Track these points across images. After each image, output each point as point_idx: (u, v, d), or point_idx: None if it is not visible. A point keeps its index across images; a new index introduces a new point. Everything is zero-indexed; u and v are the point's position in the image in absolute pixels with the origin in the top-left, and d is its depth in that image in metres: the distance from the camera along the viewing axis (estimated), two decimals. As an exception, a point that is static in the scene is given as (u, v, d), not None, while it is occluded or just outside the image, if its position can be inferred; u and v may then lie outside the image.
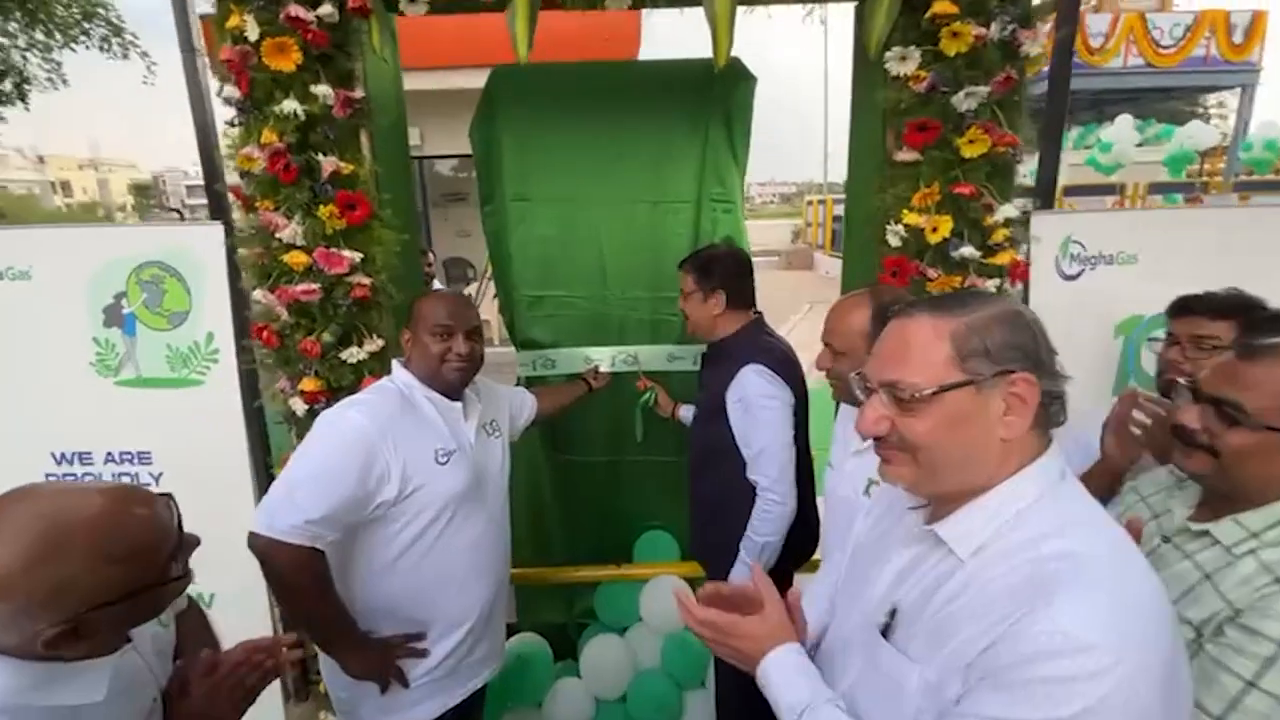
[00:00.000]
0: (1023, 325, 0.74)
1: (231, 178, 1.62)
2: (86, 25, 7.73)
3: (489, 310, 8.89)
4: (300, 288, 1.52)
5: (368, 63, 1.56)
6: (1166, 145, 11.68)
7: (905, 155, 1.54)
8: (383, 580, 1.38)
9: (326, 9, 1.42)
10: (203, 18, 1.70)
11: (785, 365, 1.73)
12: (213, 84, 1.65)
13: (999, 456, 0.74)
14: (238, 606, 1.85)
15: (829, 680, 0.86)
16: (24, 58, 7.70)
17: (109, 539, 0.76)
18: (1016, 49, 1.47)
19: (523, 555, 2.59)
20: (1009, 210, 1.54)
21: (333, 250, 1.52)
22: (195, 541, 0.89)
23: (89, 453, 1.81)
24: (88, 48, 7.90)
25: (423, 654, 1.42)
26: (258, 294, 1.57)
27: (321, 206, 1.50)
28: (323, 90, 1.45)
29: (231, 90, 1.47)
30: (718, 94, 2.28)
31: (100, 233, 1.75)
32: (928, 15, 1.45)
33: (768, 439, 1.68)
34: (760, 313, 1.87)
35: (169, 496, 0.88)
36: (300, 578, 1.25)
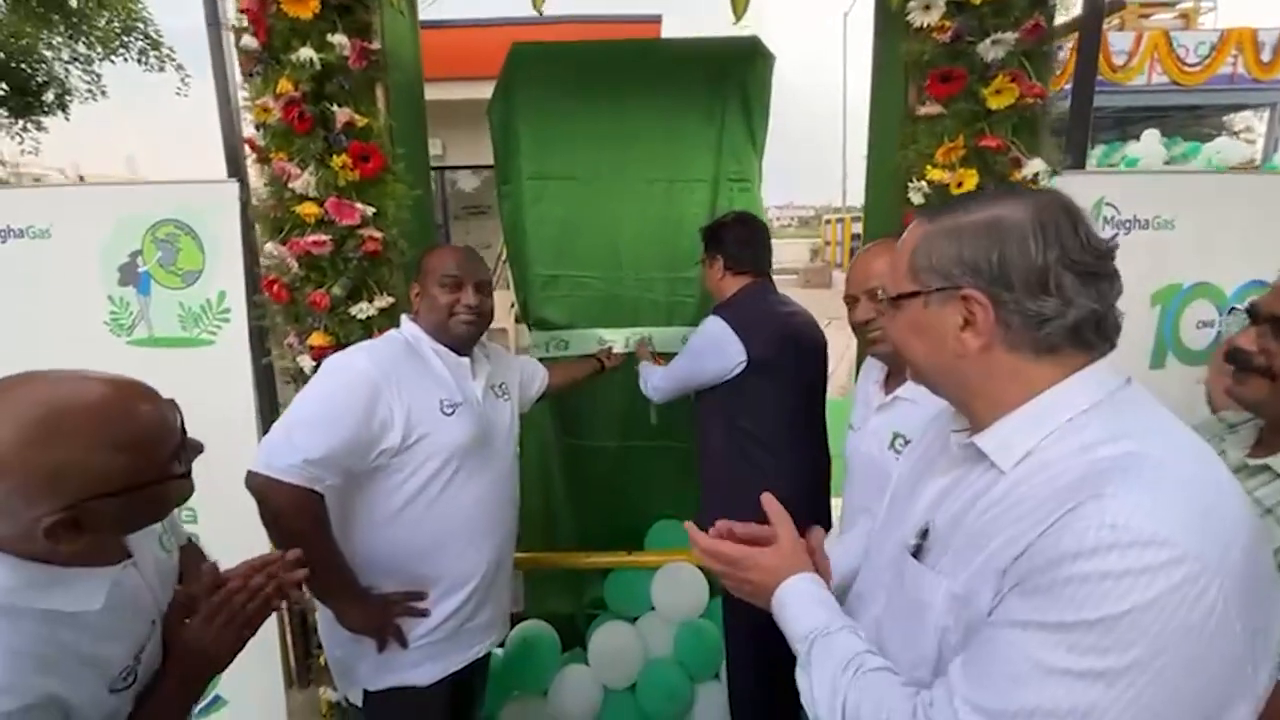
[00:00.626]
0: (995, 237, 0.65)
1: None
2: (126, 38, 8.05)
3: (504, 319, 8.96)
4: (311, 238, 1.51)
5: (385, 17, 1.56)
6: (1194, 162, 11.50)
7: (929, 109, 1.50)
8: (385, 533, 1.33)
9: (346, -41, 1.43)
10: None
11: (758, 326, 1.70)
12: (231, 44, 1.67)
13: (982, 373, 0.67)
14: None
15: (855, 619, 0.80)
16: (65, 70, 8.03)
17: (110, 425, 0.73)
18: (1045, -4, 1.43)
19: (532, 543, 2.55)
20: (1038, 165, 1.48)
21: (344, 200, 1.50)
22: (199, 446, 0.87)
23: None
24: (126, 60, 8.22)
25: (423, 613, 1.36)
26: (269, 246, 1.56)
27: (334, 157, 1.50)
28: (339, 40, 1.45)
29: (249, 40, 1.48)
30: (735, 72, 2.27)
31: (118, 191, 1.76)
32: (951, -37, 1.42)
33: (680, 361, 1.83)
34: (767, 277, 1.83)
35: (173, 400, 0.86)
36: (298, 519, 1.21)
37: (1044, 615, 0.55)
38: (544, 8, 1.51)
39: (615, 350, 2.25)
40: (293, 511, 1.21)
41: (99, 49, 8.02)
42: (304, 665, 2.51)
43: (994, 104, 1.45)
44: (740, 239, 1.80)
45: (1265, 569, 0.56)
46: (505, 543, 1.52)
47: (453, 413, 1.35)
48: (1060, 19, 1.56)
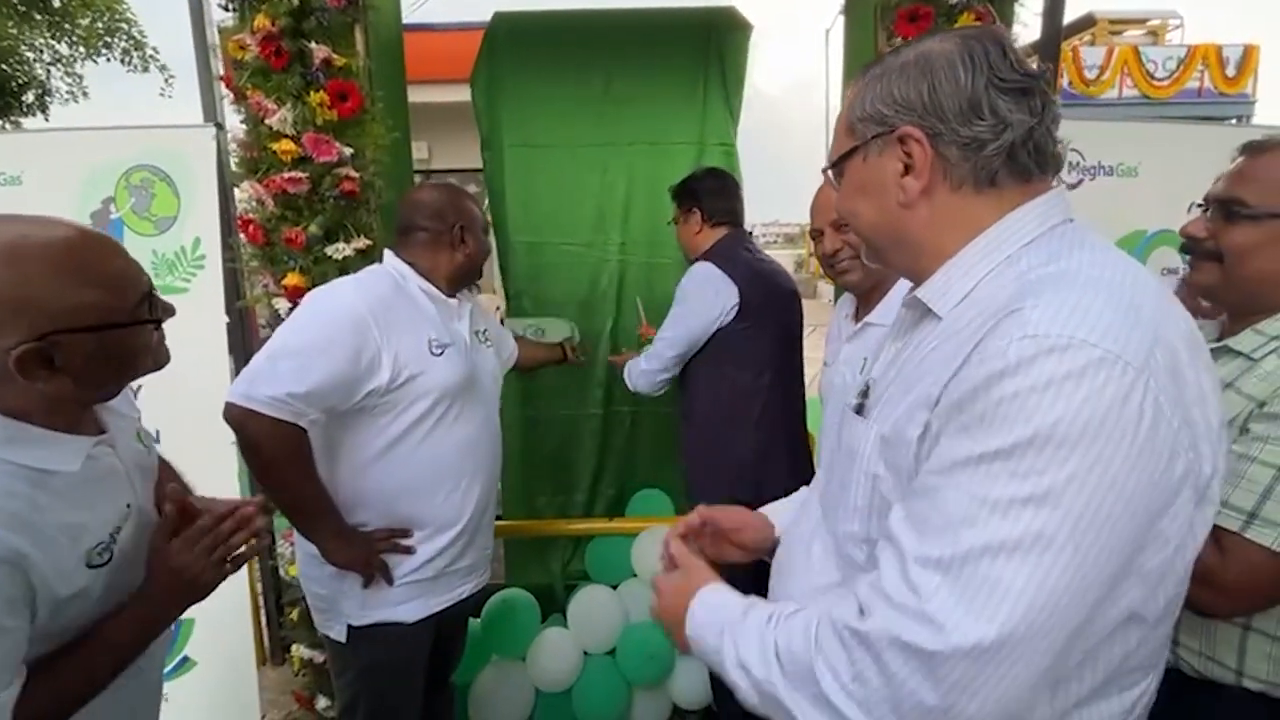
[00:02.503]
0: (924, 70, 0.63)
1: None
2: (109, 39, 8.03)
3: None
4: (287, 175, 1.50)
5: (365, -42, 1.58)
6: None
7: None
8: (372, 472, 1.31)
9: (323, -106, 1.44)
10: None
11: (743, 270, 1.71)
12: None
13: (926, 222, 0.65)
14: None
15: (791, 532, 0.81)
16: (47, 71, 7.98)
17: (76, 258, 0.73)
18: (1008, -62, 1.48)
19: (514, 512, 2.53)
20: (1005, 105, 1.52)
21: (323, 138, 1.50)
22: (170, 307, 0.86)
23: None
24: (109, 60, 8.19)
25: (408, 550, 1.34)
26: (245, 185, 1.55)
27: (312, 94, 1.50)
28: (318, -24, 1.46)
29: (227, -24, 1.49)
30: (714, 39, 2.32)
31: (91, 136, 1.75)
32: (917, -94, 1.46)
33: (672, 322, 1.74)
34: (743, 229, 1.85)
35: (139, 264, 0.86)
36: (279, 453, 1.19)
37: (980, 446, 0.52)
38: (529, 2, 1.53)
39: (579, 344, 2.16)
40: (273, 445, 1.18)
41: (81, 49, 7.99)
42: (277, 642, 2.46)
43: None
44: (716, 190, 1.80)
45: (1197, 366, 0.55)
46: (490, 487, 1.50)
47: (441, 353, 1.33)
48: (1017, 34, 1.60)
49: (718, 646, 0.67)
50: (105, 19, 7.93)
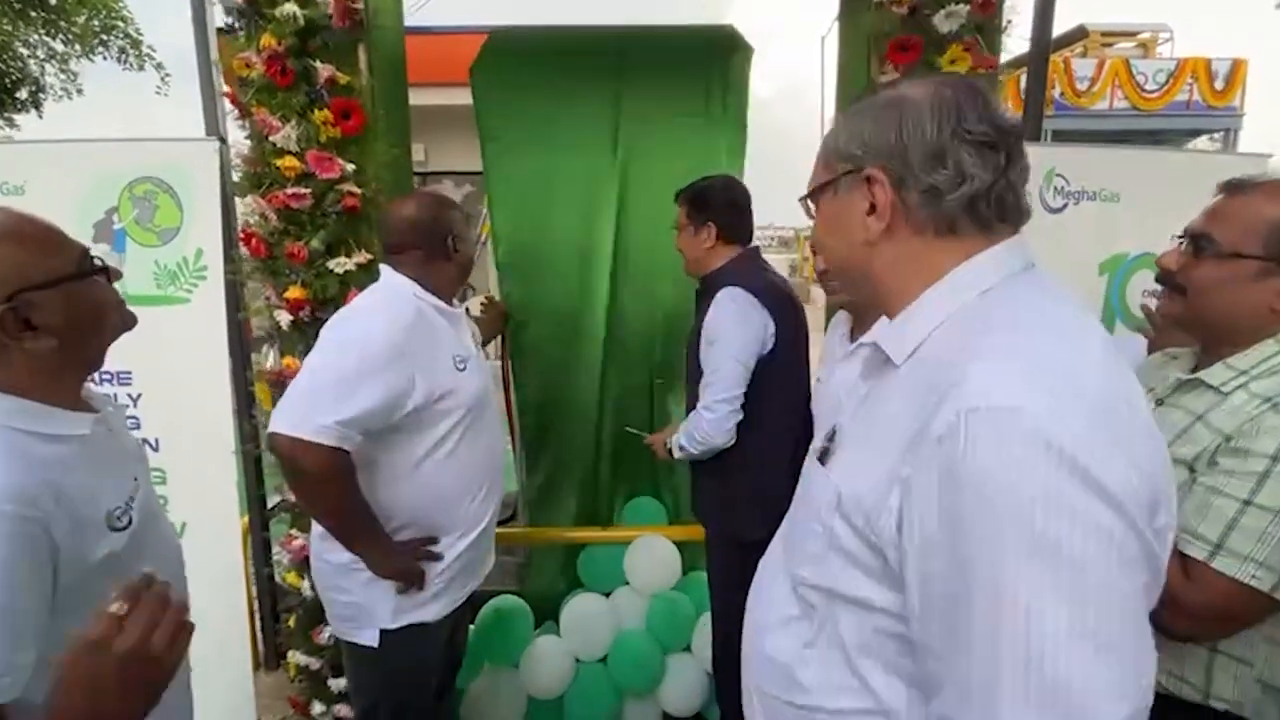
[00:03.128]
0: (892, 115, 0.65)
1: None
2: (105, 37, 8.01)
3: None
4: (290, 191, 1.53)
5: (369, -21, 1.61)
6: None
7: (888, 76, 1.58)
8: (407, 485, 1.37)
9: (330, -82, 1.47)
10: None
11: (771, 294, 1.65)
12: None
13: (889, 262, 0.68)
14: (209, 536, 1.80)
15: (765, 559, 0.81)
16: (41, 67, 7.95)
17: (12, 234, 0.81)
18: (996, -27, 1.53)
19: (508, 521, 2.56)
20: (991, 133, 1.57)
21: (326, 155, 1.53)
22: (118, 271, 0.96)
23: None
24: (105, 58, 8.17)
25: (437, 557, 1.40)
26: (248, 200, 1.58)
27: (316, 112, 1.53)
28: (323, -2, 1.49)
29: (235, -3, 1.52)
30: (717, 60, 2.35)
31: (96, 148, 1.77)
32: (908, -60, 1.51)
33: (718, 363, 1.59)
34: (757, 246, 1.80)
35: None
36: (328, 478, 1.24)
37: (987, 553, 0.52)
38: (527, 15, 1.56)
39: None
40: (321, 471, 1.22)
41: (77, 46, 7.96)
42: (273, 647, 2.48)
43: (949, 72, 1.53)
44: (732, 204, 1.71)
45: (1134, 423, 0.56)
46: (501, 485, 1.58)
47: (465, 368, 1.39)
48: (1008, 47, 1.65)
49: None
50: (101, 17, 7.91)
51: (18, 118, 8.02)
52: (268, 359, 1.71)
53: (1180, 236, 1.02)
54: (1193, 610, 0.85)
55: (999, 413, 0.53)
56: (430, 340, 1.34)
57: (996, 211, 0.64)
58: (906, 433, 0.59)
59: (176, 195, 1.74)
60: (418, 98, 2.15)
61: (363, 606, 1.40)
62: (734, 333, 1.60)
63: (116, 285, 1.80)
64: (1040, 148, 1.75)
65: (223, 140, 1.71)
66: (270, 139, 1.53)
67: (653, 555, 2.28)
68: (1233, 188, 0.96)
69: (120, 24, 8.08)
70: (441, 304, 1.40)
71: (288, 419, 1.21)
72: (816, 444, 0.77)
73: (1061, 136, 12.81)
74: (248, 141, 1.62)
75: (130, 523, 0.89)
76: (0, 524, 0.72)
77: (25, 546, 0.74)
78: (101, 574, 0.82)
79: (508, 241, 2.40)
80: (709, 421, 1.61)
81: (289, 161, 1.53)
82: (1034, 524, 0.50)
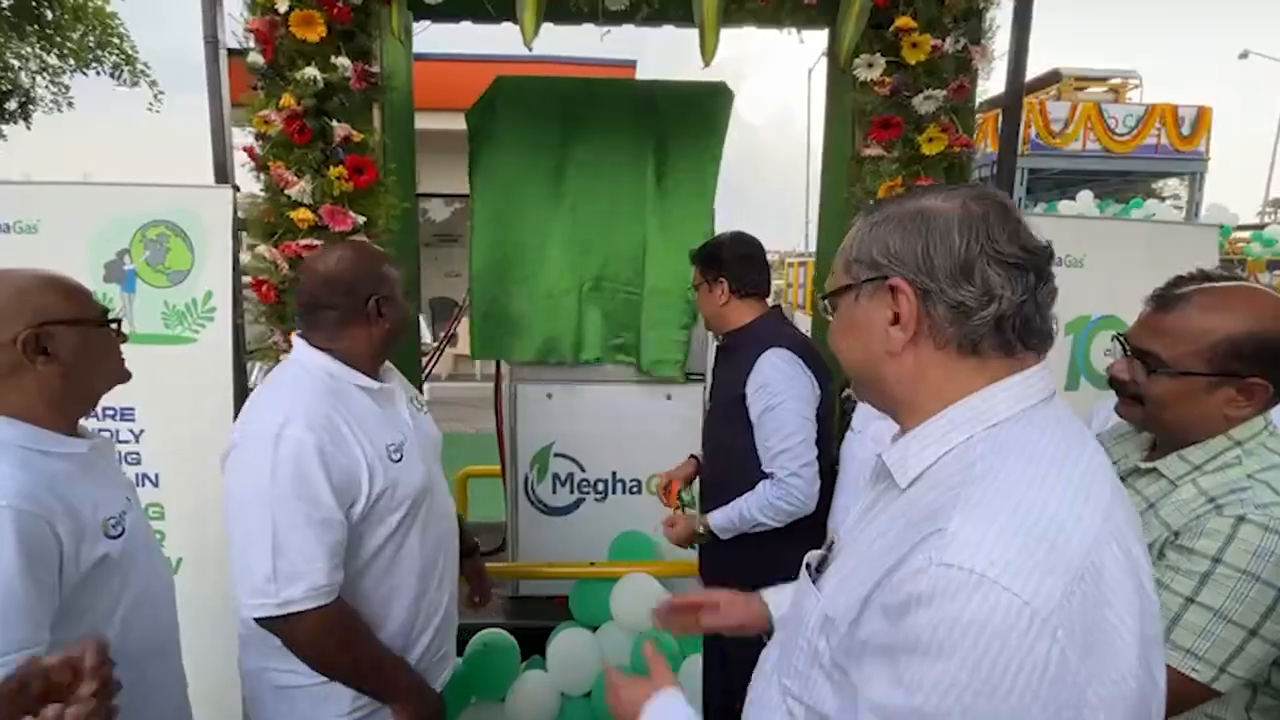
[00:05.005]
0: (919, 227, 0.64)
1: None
2: (99, 52, 8.04)
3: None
4: (304, 242, 1.60)
5: (386, 44, 1.70)
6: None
7: (871, 151, 1.70)
8: (358, 584, 1.19)
9: (353, -10, 1.57)
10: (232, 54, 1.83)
11: (808, 353, 1.64)
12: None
13: (909, 375, 0.66)
14: (206, 572, 1.83)
15: (762, 658, 0.82)
16: (32, 79, 7.94)
17: (53, 279, 0.99)
18: (969, 61, 1.66)
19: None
20: (965, 205, 1.69)
21: (339, 209, 1.61)
22: (124, 335, 1.10)
23: (72, 406, 1.83)
24: (99, 74, 8.18)
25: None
26: (261, 249, 1.64)
27: (331, 168, 1.60)
28: (342, 61, 1.58)
29: (256, 58, 1.59)
30: (704, 107, 2.48)
31: (110, 191, 1.82)
32: (891, 29, 1.64)
33: (791, 428, 1.56)
34: (779, 305, 1.81)
35: None
36: (340, 638, 1.11)
37: (889, 652, 0.55)
38: (527, 46, 1.66)
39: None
40: (330, 633, 1.09)
41: (72, 61, 7.97)
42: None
43: (927, 150, 1.66)
44: (744, 258, 1.68)
45: (1127, 579, 0.55)
46: (456, 560, 1.42)
47: (400, 458, 1.20)
48: (987, 81, 1.80)
49: None
50: (97, 33, 7.95)
51: (5, 129, 8.00)
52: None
53: (1120, 342, 1.07)
54: None
55: (967, 577, 0.51)
56: (356, 428, 1.13)
57: (1022, 335, 0.62)
58: (886, 563, 0.58)
59: (188, 238, 1.80)
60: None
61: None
62: (792, 393, 1.56)
63: (123, 323, 1.88)
64: (1010, 217, 1.88)
65: (236, 188, 1.77)
66: (286, 192, 1.60)
67: (638, 593, 2.33)
68: (1162, 301, 1.01)
69: (115, 40, 8.13)
70: (364, 379, 1.19)
71: (268, 595, 1.05)
72: (813, 554, 0.77)
73: (1037, 174, 13.30)
74: (256, 189, 1.69)
75: (123, 532, 1.01)
76: (13, 518, 0.85)
77: (35, 539, 0.87)
78: (98, 576, 0.96)
79: (483, 280, 2.50)
80: (800, 489, 1.56)
81: (303, 214, 1.60)
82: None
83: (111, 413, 1.84)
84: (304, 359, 1.17)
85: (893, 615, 0.55)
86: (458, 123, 2.48)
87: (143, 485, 1.85)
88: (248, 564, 1.06)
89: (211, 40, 1.84)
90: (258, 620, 1.07)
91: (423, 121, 2.04)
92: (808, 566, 0.76)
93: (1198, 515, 0.95)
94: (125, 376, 1.11)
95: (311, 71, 1.55)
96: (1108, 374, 1.12)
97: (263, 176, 1.65)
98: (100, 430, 1.85)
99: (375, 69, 1.65)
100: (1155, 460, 1.05)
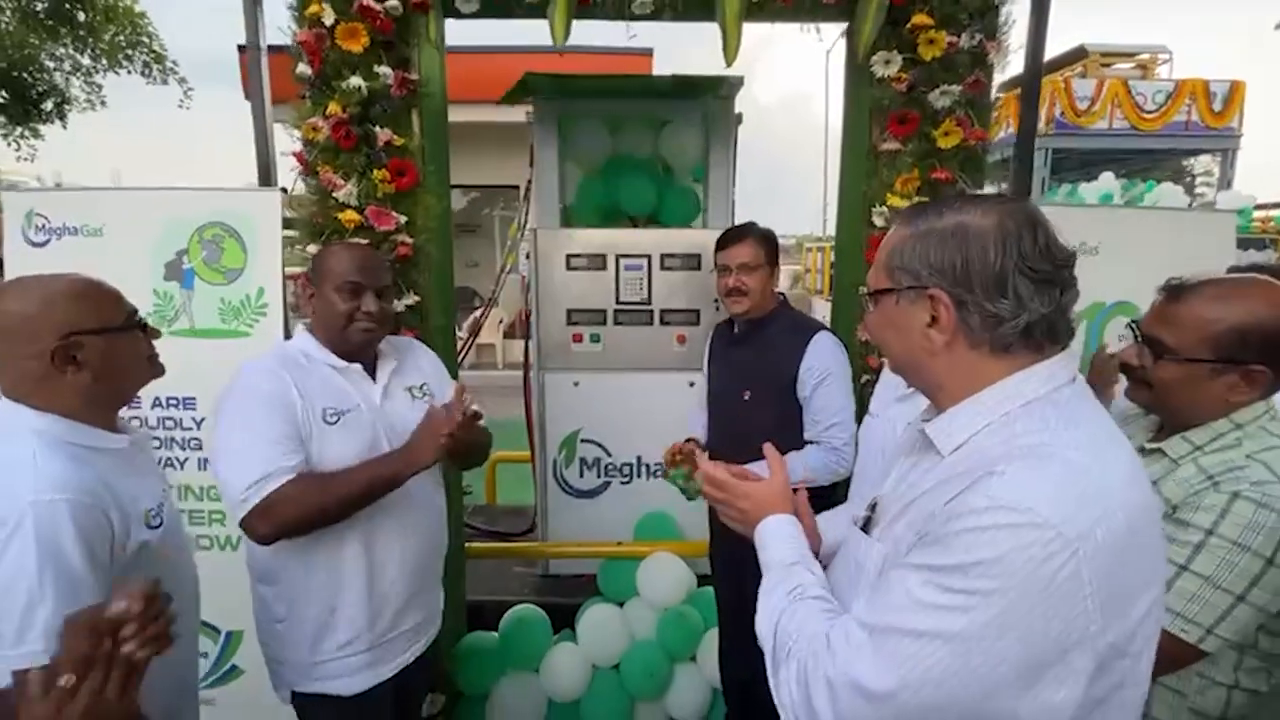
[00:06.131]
0: (958, 242, 0.71)
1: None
2: (130, 52, 8.25)
3: (493, 334, 9.14)
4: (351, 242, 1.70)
5: (423, 52, 1.79)
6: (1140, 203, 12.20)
7: (889, 145, 1.76)
8: (302, 553, 1.31)
9: (393, 3, 1.66)
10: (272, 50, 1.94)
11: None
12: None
13: (945, 368, 0.74)
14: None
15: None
16: (67, 80, 8.19)
17: (79, 290, 1.03)
18: (984, 56, 1.70)
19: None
20: (980, 196, 1.75)
21: (382, 209, 1.71)
22: (158, 331, 1.15)
23: (138, 397, 1.96)
24: (130, 73, 8.40)
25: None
26: (311, 249, 1.75)
27: (375, 171, 1.71)
28: (384, 70, 1.67)
29: (304, 68, 1.70)
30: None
31: (168, 195, 1.94)
32: (908, 26, 1.69)
33: (843, 402, 1.73)
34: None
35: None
36: (307, 506, 1.22)
37: (927, 559, 0.65)
38: (558, 47, 1.74)
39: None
40: (298, 508, 1.21)
41: (104, 61, 8.20)
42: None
43: (943, 144, 1.71)
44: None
45: (1137, 551, 0.63)
46: (425, 547, 1.46)
47: (336, 421, 1.30)
48: (1005, 74, 1.85)
49: (763, 566, 0.86)
50: (127, 33, 8.15)
51: (43, 128, 8.26)
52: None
53: (1132, 329, 1.14)
54: None
55: (1017, 513, 0.60)
56: (305, 386, 1.29)
57: (1049, 336, 0.71)
58: (935, 506, 0.67)
59: (241, 239, 1.92)
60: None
61: (273, 660, 1.38)
62: (844, 372, 1.74)
63: (184, 319, 1.99)
64: (1025, 207, 1.93)
65: (284, 190, 1.88)
66: (333, 195, 1.71)
67: (663, 571, 2.44)
68: (1171, 292, 1.08)
69: (145, 40, 8.33)
70: (336, 359, 1.34)
71: (235, 506, 1.22)
72: (858, 515, 0.86)
73: (1062, 154, 13.02)
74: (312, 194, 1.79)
75: (162, 523, 1.10)
76: (70, 510, 0.92)
77: (92, 528, 0.95)
78: (139, 563, 1.03)
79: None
80: (850, 456, 1.71)
81: (350, 215, 1.71)
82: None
83: (174, 402, 1.98)
84: (295, 340, 1.40)
85: (947, 540, 0.63)
86: (478, 114, 2.59)
87: (203, 469, 1.99)
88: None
89: (254, 48, 1.94)
90: (243, 524, 1.22)
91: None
92: (855, 523, 0.86)
93: (1195, 491, 1.02)
94: (157, 373, 1.15)
95: (356, 81, 1.65)
96: (1119, 359, 1.18)
97: (310, 181, 1.75)
98: (164, 418, 2.00)
99: (414, 76, 1.74)
100: (1160, 441, 1.11)
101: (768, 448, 0.99)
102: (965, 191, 1.75)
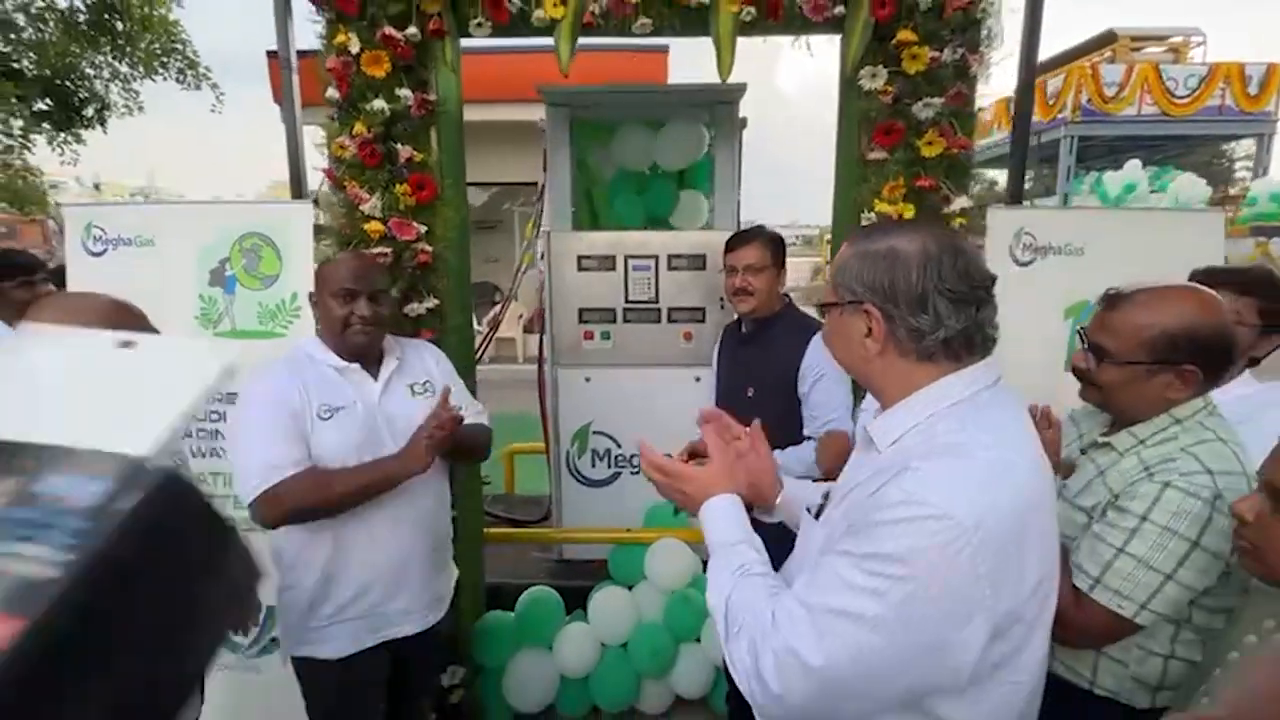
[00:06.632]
0: (887, 264, 0.81)
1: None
2: (165, 59, 8.59)
3: (513, 329, 9.33)
4: (376, 251, 1.86)
5: (440, 74, 1.93)
6: (1163, 197, 11.88)
7: (875, 154, 1.85)
8: (298, 533, 1.47)
9: (412, 30, 1.80)
10: (301, 54, 2.10)
11: None
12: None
13: (880, 372, 0.85)
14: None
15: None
16: (106, 87, 8.56)
17: (93, 309, 1.17)
18: (967, 69, 1.79)
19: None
20: (964, 201, 1.84)
21: (404, 220, 1.86)
22: None
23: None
24: (165, 79, 8.75)
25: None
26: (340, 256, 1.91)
27: (397, 185, 1.86)
28: (404, 93, 1.82)
29: (333, 92, 1.85)
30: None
31: (212, 209, 2.13)
32: (893, 42, 1.78)
33: (841, 398, 1.79)
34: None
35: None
36: (307, 499, 1.38)
37: (852, 547, 0.75)
38: (564, 73, 1.87)
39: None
40: (300, 497, 1.37)
41: (141, 69, 8.55)
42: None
43: (926, 153, 1.81)
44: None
45: (1029, 534, 0.74)
46: (416, 535, 1.57)
47: (330, 416, 1.44)
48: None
49: (709, 545, 0.93)
50: (162, 40, 8.48)
51: (85, 134, 8.66)
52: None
53: (1081, 336, 1.24)
54: (1079, 626, 1.09)
55: (925, 507, 0.71)
56: (305, 385, 1.47)
57: (966, 348, 0.81)
58: (865, 495, 0.79)
59: (277, 248, 2.09)
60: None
61: (282, 624, 1.56)
62: (840, 370, 1.81)
63: (226, 321, 2.15)
64: (1012, 211, 2.01)
65: (316, 203, 2.05)
66: (360, 208, 1.86)
67: (670, 556, 2.58)
68: (1111, 301, 1.18)
69: (179, 47, 8.66)
70: (334, 358, 1.52)
71: (247, 497, 1.38)
72: (814, 503, 0.99)
73: (1089, 141, 12.74)
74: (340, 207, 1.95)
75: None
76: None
77: None
78: None
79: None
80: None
81: (375, 226, 1.87)
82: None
83: (219, 396, 2.16)
84: (303, 343, 1.57)
85: (868, 530, 0.74)
86: (495, 113, 2.73)
87: (245, 458, 2.18)
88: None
89: (286, 68, 2.11)
90: (251, 510, 1.38)
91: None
92: (809, 512, 0.99)
93: (1134, 481, 1.13)
94: None
95: (380, 103, 1.80)
96: (1071, 363, 1.28)
97: (339, 194, 1.91)
98: (210, 411, 2.18)
99: (432, 97, 1.89)
100: (1110, 436, 1.22)
101: (705, 429, 1.04)
102: (949, 196, 1.85)
